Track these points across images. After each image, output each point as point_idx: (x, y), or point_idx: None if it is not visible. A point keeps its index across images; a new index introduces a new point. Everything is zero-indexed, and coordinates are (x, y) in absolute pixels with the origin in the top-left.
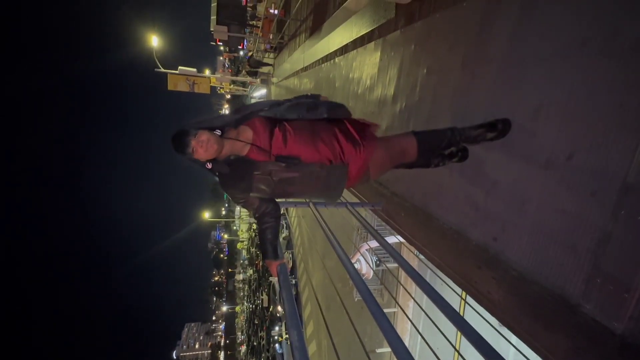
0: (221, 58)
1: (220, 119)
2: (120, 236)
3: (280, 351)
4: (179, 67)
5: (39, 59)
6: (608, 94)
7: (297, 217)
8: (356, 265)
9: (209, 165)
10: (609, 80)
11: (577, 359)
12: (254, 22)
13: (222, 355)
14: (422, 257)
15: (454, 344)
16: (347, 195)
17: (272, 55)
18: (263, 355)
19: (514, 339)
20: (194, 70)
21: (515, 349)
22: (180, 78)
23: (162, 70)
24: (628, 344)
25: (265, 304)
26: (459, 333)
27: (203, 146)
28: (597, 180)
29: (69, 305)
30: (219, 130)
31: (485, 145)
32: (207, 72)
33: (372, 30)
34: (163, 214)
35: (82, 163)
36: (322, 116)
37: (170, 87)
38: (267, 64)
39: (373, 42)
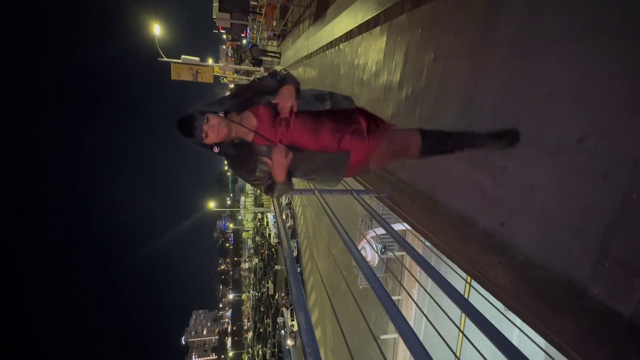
0: (224, 47)
1: (222, 102)
2: (126, 226)
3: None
4: (182, 56)
5: (36, 48)
6: (621, 76)
7: (301, 206)
8: (362, 252)
9: (217, 149)
10: (622, 63)
11: (584, 342)
12: (257, 9)
13: (229, 341)
14: (427, 243)
15: (459, 326)
16: (352, 183)
17: (275, 42)
18: (269, 341)
19: (518, 321)
20: (197, 59)
21: (519, 331)
22: (184, 67)
23: (165, 59)
24: (636, 327)
25: (271, 292)
26: (463, 315)
27: (214, 130)
28: (609, 164)
29: (76, 294)
30: (222, 114)
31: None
32: (210, 61)
33: (377, 14)
34: (169, 203)
35: (85, 154)
36: (325, 107)
37: (173, 76)
38: (272, 54)
39: (379, 27)
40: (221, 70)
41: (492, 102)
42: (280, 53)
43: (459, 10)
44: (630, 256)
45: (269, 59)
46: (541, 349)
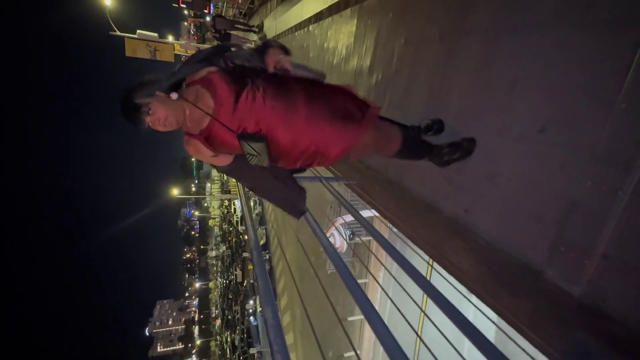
0: (186, 24)
1: (171, 76)
2: (85, 212)
3: (255, 323)
4: (138, 31)
5: None
6: (581, 67)
7: None
8: (330, 239)
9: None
10: (582, 53)
11: (538, 321)
12: None
13: (196, 329)
14: (394, 229)
15: (421, 306)
16: (321, 170)
17: (241, 20)
18: (238, 328)
19: (474, 299)
20: (155, 35)
21: (475, 308)
22: (140, 43)
23: (119, 33)
24: (584, 305)
25: (239, 279)
26: (425, 296)
27: (160, 123)
28: (566, 153)
29: (33, 285)
30: (175, 94)
31: (459, 119)
32: (170, 38)
33: None
34: (130, 189)
35: (37, 135)
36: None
37: (128, 53)
38: (245, 28)
39: (349, 9)
40: (182, 48)
41: (459, 90)
42: (258, 26)
43: None
44: (581, 240)
45: (241, 34)
46: (493, 323)
